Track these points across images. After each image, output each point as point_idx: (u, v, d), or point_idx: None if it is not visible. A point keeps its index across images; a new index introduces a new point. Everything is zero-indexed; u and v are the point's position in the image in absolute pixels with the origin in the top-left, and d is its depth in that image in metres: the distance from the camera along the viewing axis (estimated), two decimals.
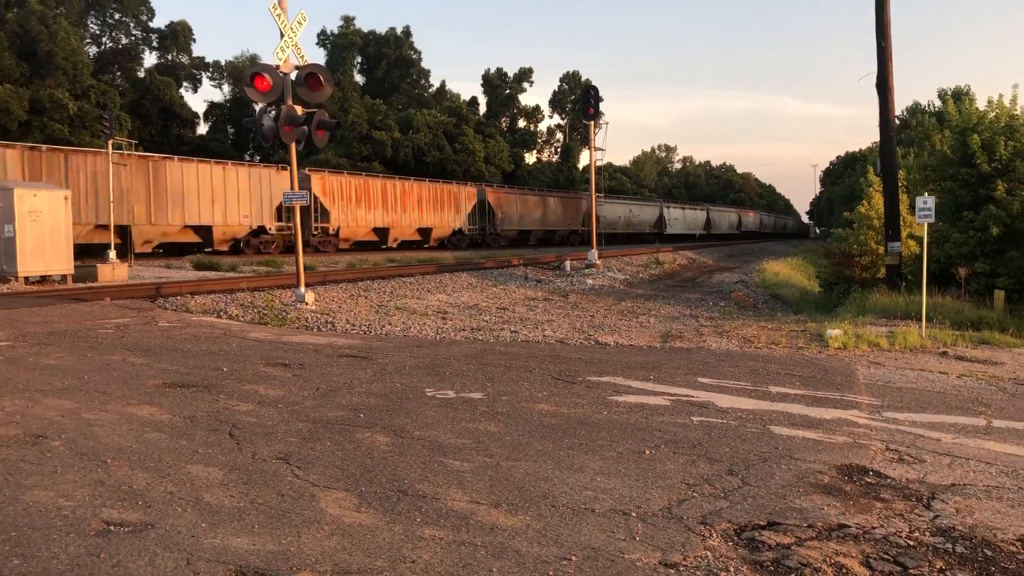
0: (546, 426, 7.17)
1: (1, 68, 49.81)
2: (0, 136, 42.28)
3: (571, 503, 5.19)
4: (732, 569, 4.26)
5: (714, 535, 4.71)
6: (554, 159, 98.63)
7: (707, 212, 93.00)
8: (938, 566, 4.35)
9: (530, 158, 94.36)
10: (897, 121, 33.05)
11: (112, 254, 27.49)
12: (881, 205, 23.56)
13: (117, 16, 66.29)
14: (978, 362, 11.26)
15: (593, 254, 33.21)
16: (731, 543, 4.61)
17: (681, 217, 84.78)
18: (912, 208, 19.30)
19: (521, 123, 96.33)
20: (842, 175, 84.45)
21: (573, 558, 4.33)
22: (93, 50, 64.81)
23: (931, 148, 32.10)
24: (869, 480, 5.82)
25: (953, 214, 21.96)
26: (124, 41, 67.42)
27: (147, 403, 7.84)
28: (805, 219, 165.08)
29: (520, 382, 9.18)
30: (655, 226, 78.49)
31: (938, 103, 57.96)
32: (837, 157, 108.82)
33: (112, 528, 4.65)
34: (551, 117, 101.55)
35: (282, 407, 7.77)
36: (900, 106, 65.77)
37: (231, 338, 12.41)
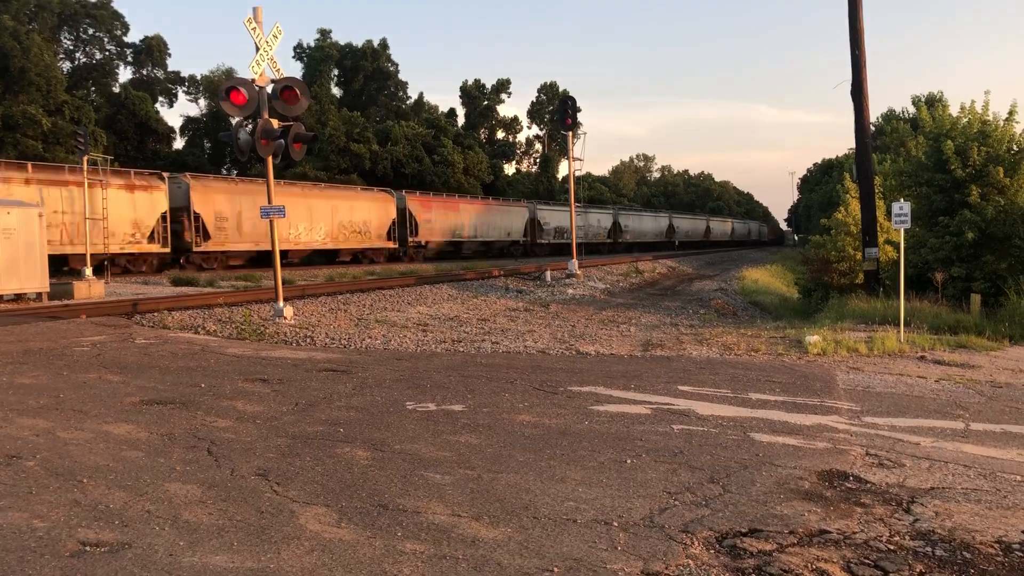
0: (527, 437, 7.15)
1: None
2: None
3: (553, 514, 5.17)
4: None
5: (696, 543, 4.71)
6: (533, 170, 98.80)
7: (670, 219, 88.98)
8: (918, 570, 4.37)
9: (509, 169, 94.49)
10: (872, 128, 33.37)
11: (88, 271, 27.21)
12: (858, 211, 23.76)
13: (91, 31, 65.86)
14: (955, 366, 11.36)
15: (573, 264, 33.24)
16: (713, 551, 4.61)
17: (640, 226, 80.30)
18: (889, 214, 19.47)
19: (500, 134, 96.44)
20: (819, 182, 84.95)
21: (555, 569, 4.31)
22: (67, 65, 64.33)
23: (906, 154, 32.44)
24: (849, 485, 5.84)
25: (929, 219, 22.18)
26: (98, 56, 66.97)
27: (124, 421, 7.75)
28: (783, 226, 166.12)
29: (501, 393, 9.16)
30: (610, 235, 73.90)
31: (912, 110, 58.55)
32: (814, 164, 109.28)
33: (88, 549, 4.59)
34: (529, 128, 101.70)
35: (261, 423, 7.71)
36: (875, 113, 66.12)
37: (209, 354, 12.30)
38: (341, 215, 43.00)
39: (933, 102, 41.34)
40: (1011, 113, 21.86)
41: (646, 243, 79.12)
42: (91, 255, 27.91)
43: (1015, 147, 21.78)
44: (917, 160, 24.42)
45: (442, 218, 50.90)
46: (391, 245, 46.40)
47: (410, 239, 47.57)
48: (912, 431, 7.47)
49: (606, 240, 72.65)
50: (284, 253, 37.91)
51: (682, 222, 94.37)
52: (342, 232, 42.98)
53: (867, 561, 4.47)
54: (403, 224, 47.13)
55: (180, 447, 6.79)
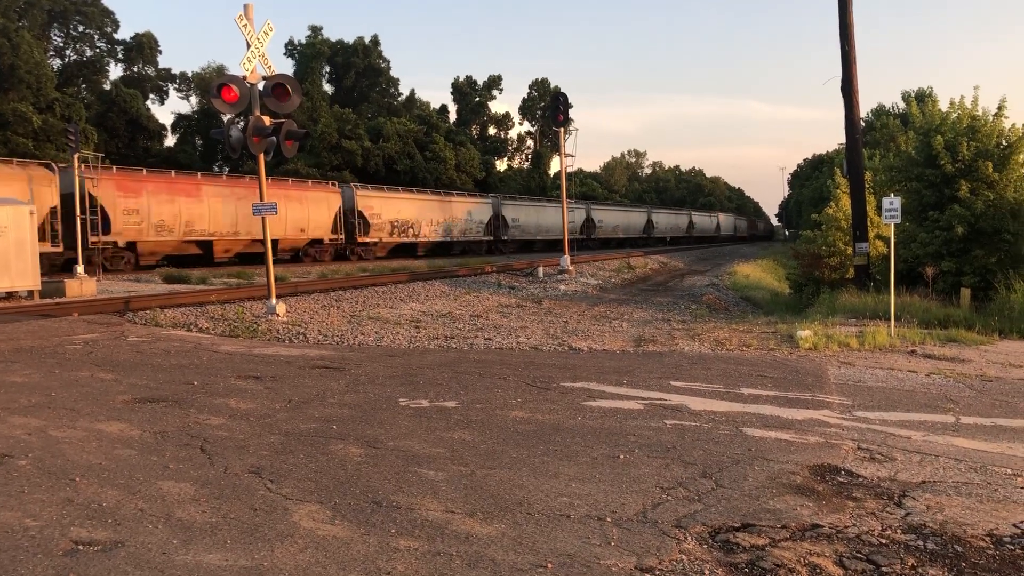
0: (520, 433, 7.16)
1: None
2: None
3: (546, 510, 5.18)
4: (707, 572, 4.28)
5: (689, 538, 4.72)
6: (525, 166, 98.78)
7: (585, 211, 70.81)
8: (910, 563, 4.40)
9: (501, 165, 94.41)
10: (862, 123, 33.45)
11: (80, 268, 27.11)
12: (848, 206, 23.79)
13: (81, 28, 65.57)
14: (946, 360, 11.41)
15: (565, 260, 33.27)
16: (706, 546, 4.63)
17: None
18: (879, 209, 19.52)
19: (492, 130, 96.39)
20: (810, 177, 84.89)
21: (549, 565, 4.32)
22: (57, 63, 64.00)
23: (896, 149, 32.55)
24: (841, 479, 5.87)
25: (919, 214, 22.25)
26: (89, 53, 66.66)
27: (116, 419, 7.73)
28: (774, 221, 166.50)
29: (494, 390, 9.17)
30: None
31: (902, 105, 58.78)
32: (804, 159, 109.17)
33: (81, 547, 4.58)
34: (521, 124, 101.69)
35: (254, 420, 7.70)
36: (865, 108, 66.01)
37: (201, 351, 12.28)
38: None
39: (923, 97, 41.38)
40: (1000, 108, 21.94)
41: (548, 241, 61.18)
42: None
43: (1004, 142, 21.84)
44: (907, 155, 24.48)
45: (166, 208, 34.85)
46: (49, 248, 29.52)
47: (93, 237, 31.17)
48: (903, 425, 7.51)
49: (484, 238, 57.74)
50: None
51: (607, 215, 75.79)
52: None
53: (859, 555, 4.50)
54: (88, 216, 30.47)
55: (173, 445, 6.78)
